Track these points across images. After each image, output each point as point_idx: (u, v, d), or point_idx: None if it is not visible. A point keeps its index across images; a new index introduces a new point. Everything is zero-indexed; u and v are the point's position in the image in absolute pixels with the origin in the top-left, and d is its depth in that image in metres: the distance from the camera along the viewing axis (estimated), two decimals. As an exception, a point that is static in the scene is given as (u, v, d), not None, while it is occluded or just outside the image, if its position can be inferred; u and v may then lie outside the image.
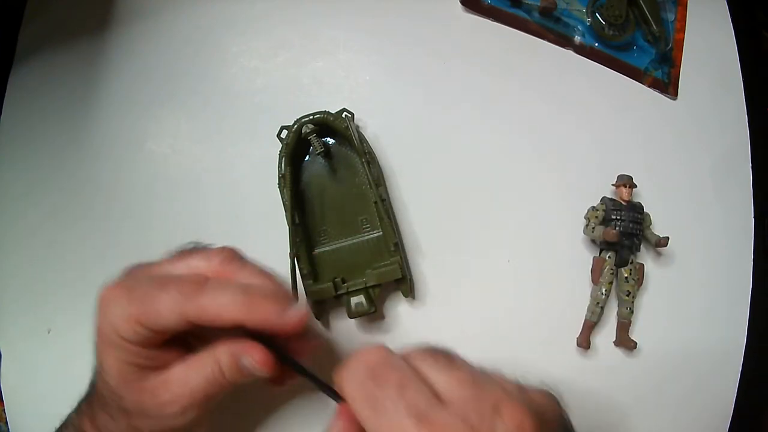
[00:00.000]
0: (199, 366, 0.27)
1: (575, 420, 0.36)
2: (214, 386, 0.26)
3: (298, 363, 0.27)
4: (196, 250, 0.29)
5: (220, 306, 0.24)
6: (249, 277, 0.27)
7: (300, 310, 0.26)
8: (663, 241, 0.37)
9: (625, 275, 0.37)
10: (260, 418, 0.36)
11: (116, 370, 0.26)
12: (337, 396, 0.24)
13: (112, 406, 0.27)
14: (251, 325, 0.25)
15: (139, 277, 0.27)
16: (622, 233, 0.36)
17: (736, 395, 0.38)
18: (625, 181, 0.37)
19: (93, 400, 0.28)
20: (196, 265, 0.28)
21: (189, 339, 0.28)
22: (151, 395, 0.26)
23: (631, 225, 0.36)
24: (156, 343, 0.26)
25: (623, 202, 0.37)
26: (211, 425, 0.30)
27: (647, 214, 0.38)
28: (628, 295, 0.36)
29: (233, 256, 0.28)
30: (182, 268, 0.28)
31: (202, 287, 0.25)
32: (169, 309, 0.24)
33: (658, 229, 0.38)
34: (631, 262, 0.37)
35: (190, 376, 0.26)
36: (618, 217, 0.36)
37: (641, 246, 0.38)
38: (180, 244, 0.29)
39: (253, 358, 0.26)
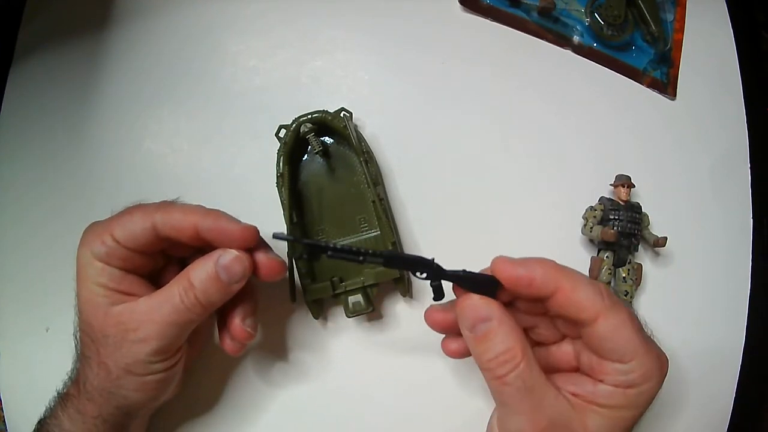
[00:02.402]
0: (166, 293, 0.28)
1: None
2: (180, 311, 0.27)
3: (422, 260, 0.27)
4: None
5: (184, 211, 0.28)
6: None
7: (252, 225, 0.29)
8: (661, 241, 0.37)
9: (623, 275, 0.37)
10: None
11: (86, 294, 0.28)
12: (481, 288, 0.26)
13: (85, 344, 0.29)
14: (207, 228, 0.28)
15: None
16: (620, 233, 0.36)
17: (734, 395, 0.38)
18: (624, 181, 0.37)
19: (75, 360, 0.30)
20: None
21: (160, 284, 0.30)
22: (116, 322, 0.27)
23: (629, 225, 0.36)
24: (124, 261, 0.28)
25: (621, 202, 0.37)
26: (178, 391, 0.32)
27: (645, 214, 0.38)
28: (626, 295, 0.36)
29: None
30: None
31: (173, 202, 0.30)
32: (142, 218, 0.28)
33: (657, 229, 0.38)
34: (629, 262, 0.37)
35: (156, 304, 0.28)
36: (616, 217, 0.36)
37: (639, 246, 0.38)
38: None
39: (232, 251, 0.28)
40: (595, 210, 0.37)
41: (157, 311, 0.27)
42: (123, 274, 0.28)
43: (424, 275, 0.27)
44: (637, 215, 0.37)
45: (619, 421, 0.25)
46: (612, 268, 0.37)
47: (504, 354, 0.25)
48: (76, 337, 0.30)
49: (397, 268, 0.31)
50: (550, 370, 0.28)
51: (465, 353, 0.29)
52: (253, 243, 0.29)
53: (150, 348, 0.27)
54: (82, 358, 0.29)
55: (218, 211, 0.29)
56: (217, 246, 0.28)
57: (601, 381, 0.25)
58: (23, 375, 0.38)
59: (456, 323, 0.27)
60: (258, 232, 0.29)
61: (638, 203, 0.38)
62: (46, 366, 0.38)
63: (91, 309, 0.28)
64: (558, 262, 0.27)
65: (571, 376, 0.27)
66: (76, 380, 0.30)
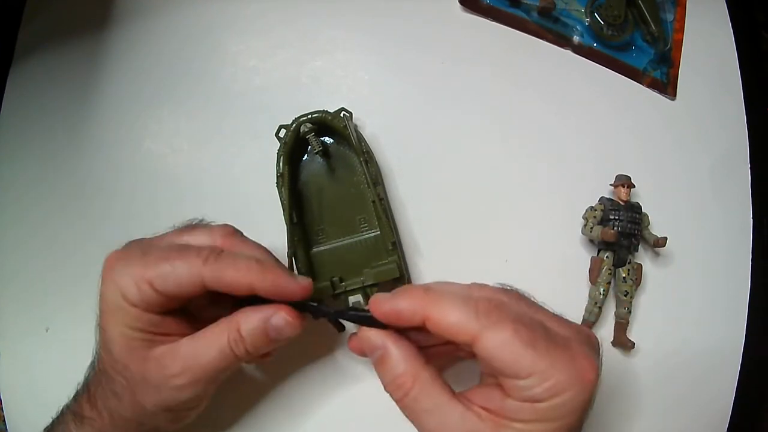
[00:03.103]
0: (212, 337, 0.27)
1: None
2: (228, 359, 0.27)
3: (323, 307, 0.28)
4: (199, 225, 0.30)
5: (238, 270, 0.26)
6: (251, 251, 0.29)
7: (306, 278, 0.28)
8: (661, 241, 0.37)
9: (623, 275, 0.37)
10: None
11: (120, 337, 0.27)
12: (377, 323, 0.26)
13: (115, 381, 0.27)
14: (264, 290, 0.26)
15: (150, 245, 0.28)
16: (620, 233, 0.36)
17: (734, 395, 0.38)
18: (624, 181, 0.37)
19: (92, 382, 0.29)
20: (200, 238, 0.29)
21: (192, 313, 0.29)
22: (157, 365, 0.26)
23: (629, 225, 0.36)
24: (162, 308, 0.27)
25: (621, 202, 0.37)
26: (209, 403, 0.31)
27: (645, 214, 0.38)
28: (626, 295, 0.36)
29: (234, 231, 0.30)
30: (189, 239, 0.29)
31: (219, 254, 0.26)
32: (188, 272, 0.26)
33: (657, 229, 0.38)
34: (629, 262, 0.37)
35: (201, 348, 0.27)
36: (616, 217, 0.36)
37: (639, 246, 0.38)
38: (183, 220, 0.31)
39: (284, 314, 0.27)
40: (595, 210, 0.37)
41: (204, 356, 0.26)
42: (161, 317, 0.27)
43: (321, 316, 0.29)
44: (637, 215, 0.37)
45: None
46: (612, 268, 0.37)
47: (397, 379, 0.25)
48: (95, 368, 0.29)
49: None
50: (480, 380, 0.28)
51: None
52: (308, 296, 0.28)
53: (193, 393, 0.27)
54: (109, 393, 0.28)
55: (273, 265, 0.28)
56: (272, 299, 0.27)
57: (509, 396, 0.24)
58: (23, 375, 0.38)
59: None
60: (312, 286, 0.28)
61: (638, 203, 0.38)
62: (46, 366, 0.38)
63: (126, 352, 0.27)
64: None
65: (484, 391, 0.26)
66: (95, 406, 0.28)
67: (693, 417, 0.37)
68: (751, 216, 0.40)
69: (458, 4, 0.41)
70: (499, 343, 0.23)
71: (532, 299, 0.27)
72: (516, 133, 0.40)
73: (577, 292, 0.38)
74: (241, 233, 0.31)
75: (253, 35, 0.41)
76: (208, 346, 0.27)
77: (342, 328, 0.31)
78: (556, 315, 0.27)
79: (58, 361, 0.37)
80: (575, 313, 0.37)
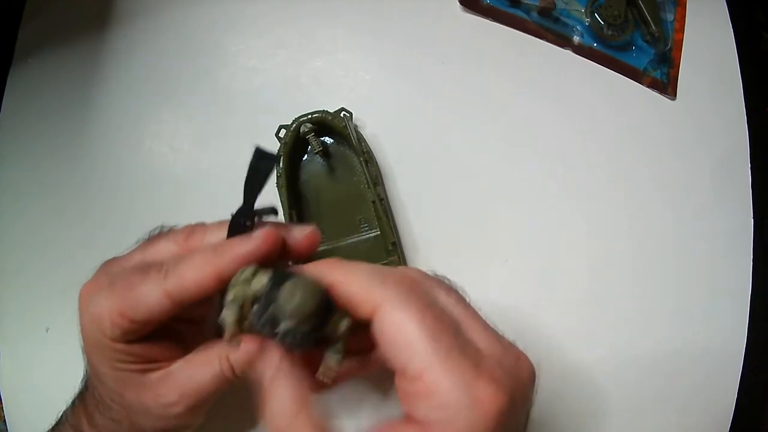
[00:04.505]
0: (205, 363, 0.25)
1: (575, 421, 0.36)
2: (223, 383, 0.25)
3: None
4: (161, 234, 0.28)
5: (196, 269, 0.23)
6: (216, 236, 0.26)
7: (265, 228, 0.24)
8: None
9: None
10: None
11: (110, 371, 0.25)
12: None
13: (113, 410, 0.26)
14: (230, 272, 0.23)
15: (115, 270, 0.26)
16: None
17: (736, 396, 0.38)
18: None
19: (88, 399, 0.28)
20: (164, 248, 0.26)
21: (179, 329, 0.27)
22: (154, 395, 0.25)
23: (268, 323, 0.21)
24: (143, 334, 0.25)
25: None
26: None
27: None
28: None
29: (194, 228, 0.27)
30: (154, 254, 0.26)
31: (177, 261, 0.24)
32: (155, 293, 0.23)
33: (657, 228, 0.38)
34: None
35: (195, 373, 0.25)
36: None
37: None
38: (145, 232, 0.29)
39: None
40: None
41: (198, 382, 0.25)
42: (147, 344, 0.25)
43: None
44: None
45: None
46: None
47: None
48: (88, 388, 0.28)
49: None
50: None
51: None
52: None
53: (192, 417, 0.26)
54: (108, 420, 0.27)
55: (227, 244, 0.24)
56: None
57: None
58: (23, 375, 0.38)
59: None
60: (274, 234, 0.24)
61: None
62: (46, 366, 0.38)
63: (120, 384, 0.26)
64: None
65: None
66: (93, 426, 0.27)
67: (695, 418, 0.37)
68: (752, 216, 0.40)
69: (458, 4, 0.41)
70: (398, 320, 0.20)
71: (467, 300, 0.24)
72: (516, 133, 0.40)
73: (578, 292, 0.38)
74: (203, 223, 0.27)
75: (253, 35, 0.41)
76: (202, 372, 0.25)
77: (274, 211, 0.26)
78: (490, 327, 0.23)
79: (59, 362, 0.37)
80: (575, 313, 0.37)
